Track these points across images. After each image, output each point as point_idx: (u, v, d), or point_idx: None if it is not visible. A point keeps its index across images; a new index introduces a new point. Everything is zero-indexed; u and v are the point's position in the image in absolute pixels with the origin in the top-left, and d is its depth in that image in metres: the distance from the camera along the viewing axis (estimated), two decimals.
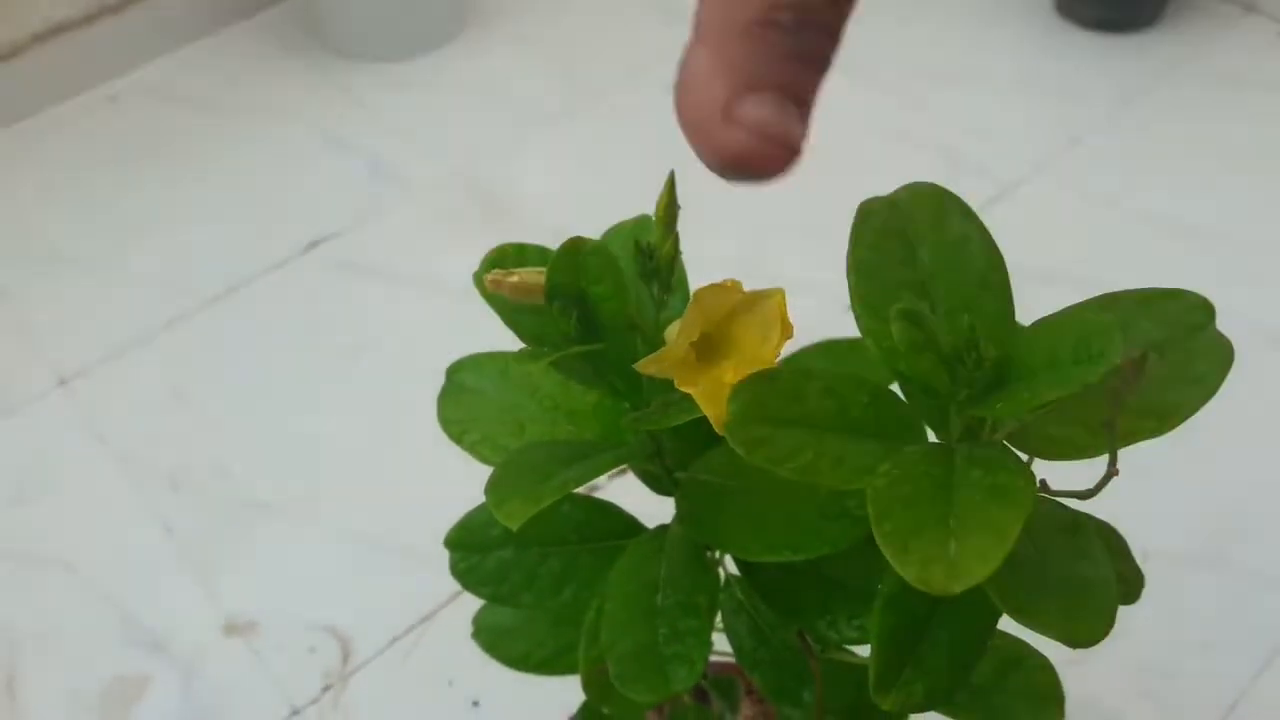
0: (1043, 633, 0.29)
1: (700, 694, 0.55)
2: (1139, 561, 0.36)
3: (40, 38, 1.49)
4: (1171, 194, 1.29)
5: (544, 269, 0.33)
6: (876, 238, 0.32)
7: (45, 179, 1.46)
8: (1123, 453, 0.41)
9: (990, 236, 0.32)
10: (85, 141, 1.50)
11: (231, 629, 1.01)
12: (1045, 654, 0.40)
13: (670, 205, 0.34)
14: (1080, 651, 0.30)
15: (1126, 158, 1.34)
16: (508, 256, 0.36)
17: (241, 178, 1.44)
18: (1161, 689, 0.92)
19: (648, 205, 1.41)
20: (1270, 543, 1.02)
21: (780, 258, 1.28)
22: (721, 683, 0.54)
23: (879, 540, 0.26)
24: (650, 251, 0.33)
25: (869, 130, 1.42)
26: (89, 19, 1.51)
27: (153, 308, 1.28)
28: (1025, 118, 1.42)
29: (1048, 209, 1.30)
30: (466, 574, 0.43)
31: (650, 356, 0.30)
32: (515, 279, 0.33)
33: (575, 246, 0.32)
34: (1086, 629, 0.28)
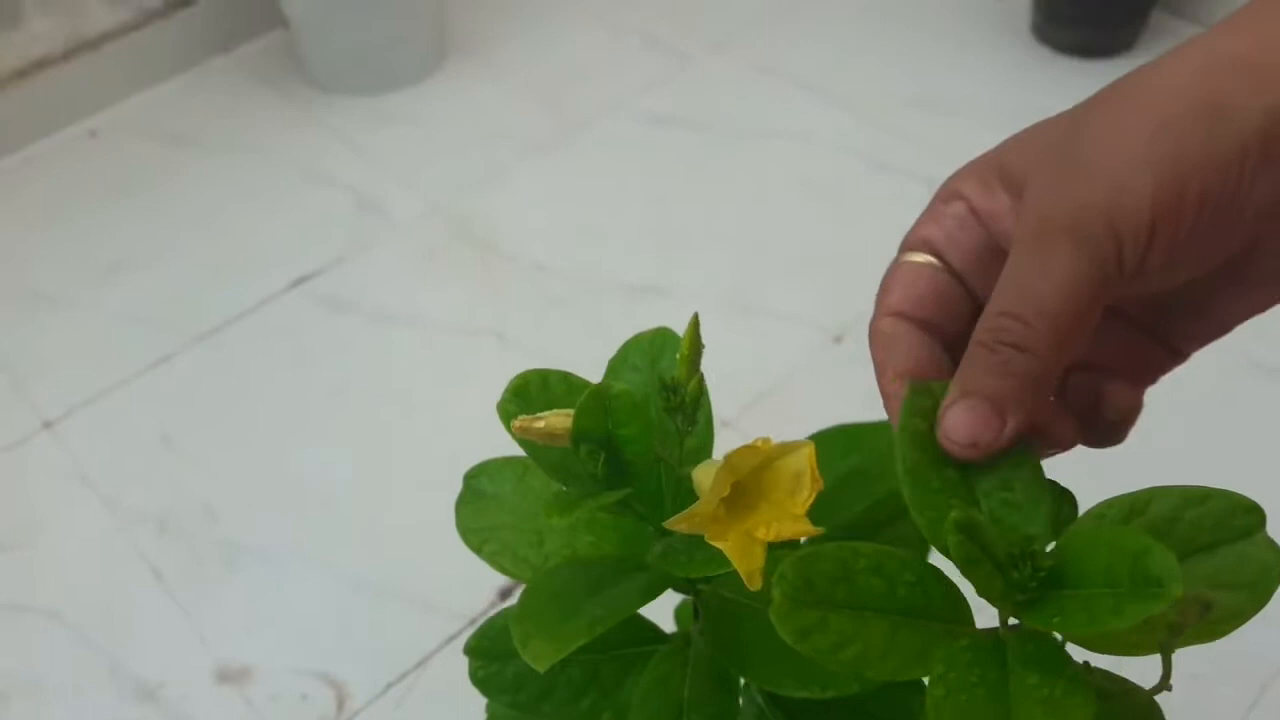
0: None
1: None
2: None
3: (19, 74, 1.48)
4: None
5: (569, 412, 0.33)
6: (929, 410, 0.32)
7: (26, 217, 1.44)
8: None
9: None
10: (66, 178, 1.49)
11: (223, 676, 1.01)
12: None
13: (695, 344, 0.34)
14: None
15: None
16: (530, 385, 0.36)
17: (224, 214, 1.43)
18: None
19: (630, 238, 1.42)
20: None
21: (766, 288, 1.29)
22: None
23: None
24: (675, 388, 0.34)
25: (851, 160, 1.43)
26: (67, 55, 1.50)
27: (137, 347, 1.27)
28: None
29: None
30: (485, 682, 0.43)
31: (681, 515, 0.30)
32: (542, 424, 0.34)
33: (601, 393, 0.33)
34: None
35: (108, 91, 1.54)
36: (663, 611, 0.51)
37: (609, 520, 0.39)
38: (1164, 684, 0.31)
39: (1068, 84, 1.49)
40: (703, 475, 0.32)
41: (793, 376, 1.19)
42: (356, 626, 1.03)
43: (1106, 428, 0.35)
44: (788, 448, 0.31)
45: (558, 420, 0.34)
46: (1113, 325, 0.35)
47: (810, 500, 0.30)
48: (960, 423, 0.31)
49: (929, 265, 0.35)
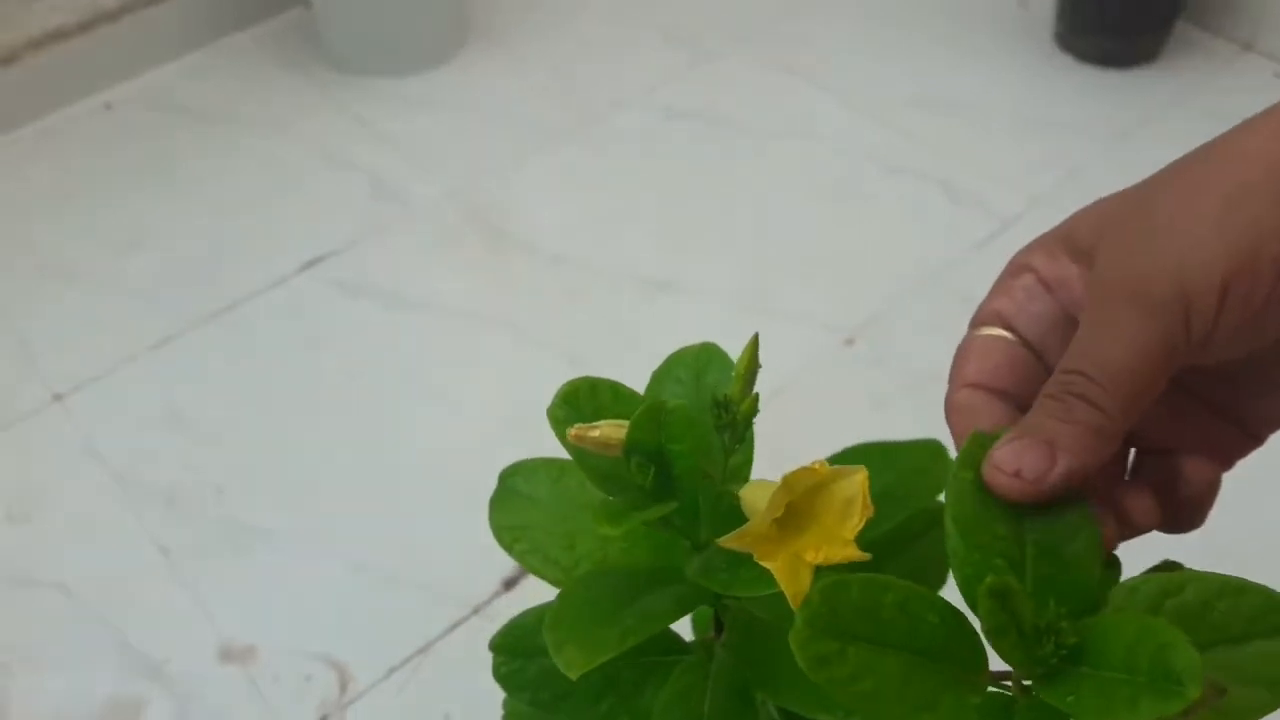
0: None
1: None
2: None
3: (36, 44, 1.47)
4: None
5: (623, 424, 0.34)
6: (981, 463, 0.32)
7: (39, 189, 1.44)
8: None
9: (1088, 506, 0.32)
10: (80, 151, 1.49)
11: (228, 655, 1.01)
12: None
13: (751, 363, 0.34)
14: None
15: None
16: (580, 392, 0.36)
17: (238, 192, 1.43)
18: None
19: (644, 231, 1.41)
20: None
21: (779, 287, 1.29)
22: None
23: None
24: (727, 405, 0.34)
25: (869, 162, 1.43)
26: (84, 26, 1.49)
27: (148, 323, 1.27)
28: (1024, 151, 1.43)
29: None
30: (508, 679, 0.44)
31: (735, 533, 0.30)
32: (597, 434, 0.34)
33: (658, 408, 0.33)
34: None
35: (124, 65, 1.54)
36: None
37: (643, 530, 0.39)
38: None
39: (1089, 93, 1.49)
40: (754, 495, 0.32)
41: (803, 377, 1.19)
42: (361, 610, 1.03)
43: (1184, 506, 0.35)
44: (842, 472, 0.31)
45: (612, 430, 0.34)
46: (1186, 406, 0.35)
47: (860, 526, 0.30)
48: (1009, 454, 0.31)
49: (1002, 338, 0.35)
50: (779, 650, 0.37)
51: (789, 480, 0.30)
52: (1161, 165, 0.33)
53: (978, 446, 0.32)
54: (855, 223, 1.36)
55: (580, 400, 0.36)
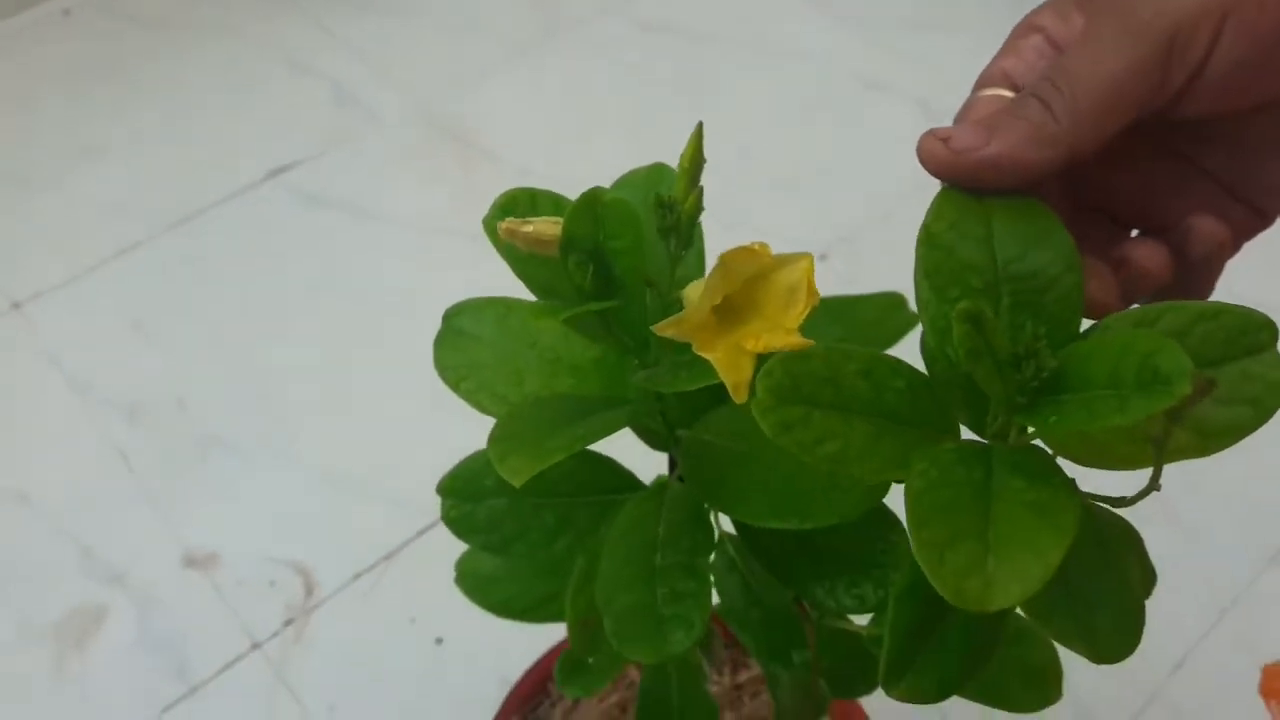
0: (1069, 647, 0.29)
1: None
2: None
3: None
4: None
5: (559, 220, 0.32)
6: (957, 215, 0.31)
7: None
8: None
9: (1070, 240, 0.32)
10: (38, 58, 1.44)
11: (191, 561, 1.00)
12: None
13: (696, 157, 0.33)
14: None
15: None
16: (519, 203, 0.35)
17: (200, 100, 1.39)
18: None
19: (615, 145, 1.38)
20: (1214, 498, 1.03)
21: (752, 203, 1.27)
22: None
23: (914, 548, 0.26)
24: (671, 205, 0.32)
25: (845, 79, 1.41)
26: None
27: (109, 232, 1.24)
28: None
29: None
30: (458, 522, 0.43)
31: (670, 319, 0.29)
32: (530, 229, 0.32)
33: (594, 198, 0.31)
34: (1113, 647, 0.29)
35: None
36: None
37: (590, 361, 0.38)
38: (1154, 484, 0.30)
39: None
40: (694, 290, 0.31)
41: None
42: (326, 518, 1.03)
43: (1194, 266, 0.34)
44: (785, 259, 0.30)
45: (547, 227, 0.32)
46: (1191, 179, 0.35)
47: (805, 314, 0.29)
48: (949, 128, 0.32)
49: (1006, 99, 0.34)
50: (734, 471, 0.36)
51: (726, 260, 0.29)
52: None
53: (948, 201, 0.32)
54: (830, 138, 1.35)
55: (518, 210, 0.35)
